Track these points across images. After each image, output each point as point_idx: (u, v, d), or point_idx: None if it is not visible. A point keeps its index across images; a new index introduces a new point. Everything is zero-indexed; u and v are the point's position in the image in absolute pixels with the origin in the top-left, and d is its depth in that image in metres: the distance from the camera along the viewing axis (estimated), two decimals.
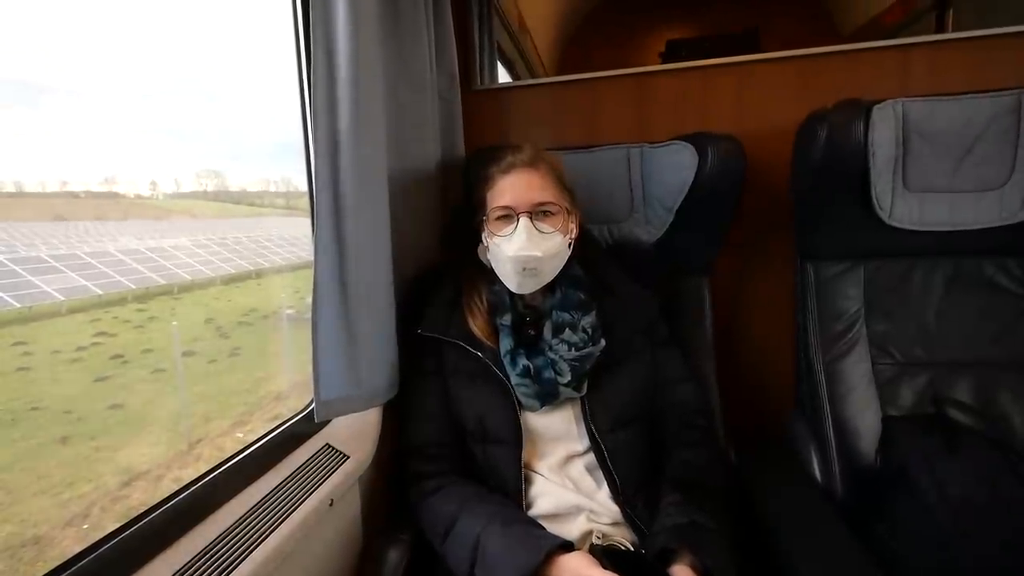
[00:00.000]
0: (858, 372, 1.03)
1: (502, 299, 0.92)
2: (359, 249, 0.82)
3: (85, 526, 4.27)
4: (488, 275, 0.95)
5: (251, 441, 0.81)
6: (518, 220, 0.86)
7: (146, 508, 0.66)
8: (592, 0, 2.84)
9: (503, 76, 1.59)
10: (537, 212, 0.87)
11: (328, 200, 0.79)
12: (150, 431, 5.82)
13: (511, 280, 0.88)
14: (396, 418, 0.96)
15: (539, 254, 0.85)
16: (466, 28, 1.39)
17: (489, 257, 0.91)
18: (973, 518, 0.79)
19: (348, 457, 0.86)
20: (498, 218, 0.88)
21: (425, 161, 1.08)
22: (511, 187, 0.87)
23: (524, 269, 0.85)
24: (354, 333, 0.83)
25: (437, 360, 0.93)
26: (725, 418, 1.09)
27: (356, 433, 0.91)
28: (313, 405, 0.83)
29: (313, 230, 0.80)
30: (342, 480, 0.82)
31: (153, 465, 5.19)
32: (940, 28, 1.73)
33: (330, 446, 0.87)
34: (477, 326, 0.90)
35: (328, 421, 0.92)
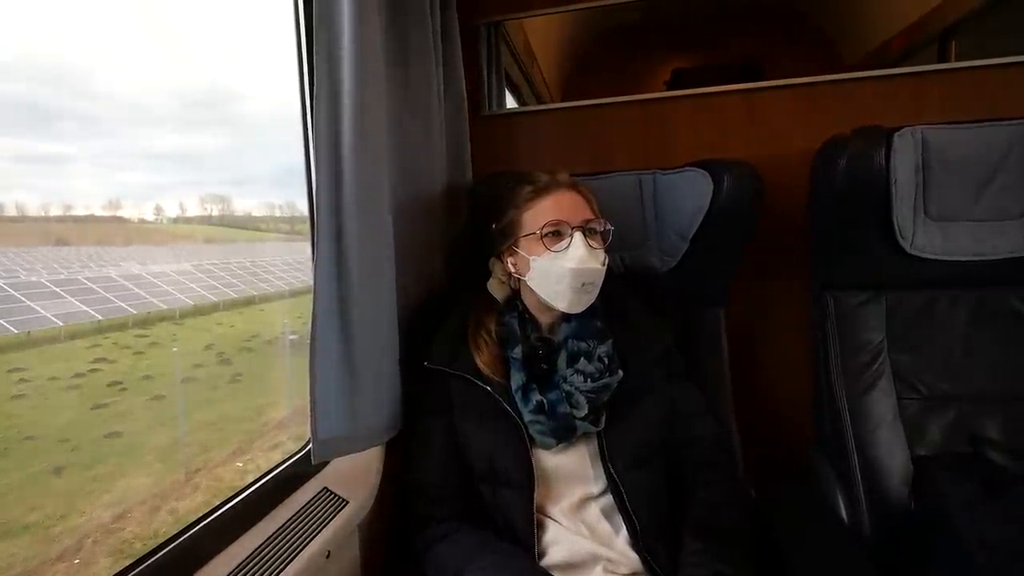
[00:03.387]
0: (883, 407, 0.99)
1: (513, 331, 0.88)
2: (361, 278, 0.78)
3: (76, 560, 4.15)
4: (497, 307, 0.92)
5: (243, 487, 0.75)
6: (572, 235, 0.83)
7: (132, 560, 0.61)
8: (598, 27, 2.89)
9: (510, 102, 1.60)
10: (587, 229, 0.85)
11: (329, 227, 0.76)
12: (147, 460, 5.72)
13: (563, 298, 0.83)
14: (399, 457, 0.91)
15: (599, 266, 0.83)
16: (474, 54, 1.38)
17: (530, 277, 0.87)
18: (1015, 565, 0.74)
19: (347, 502, 0.80)
20: (548, 233, 0.84)
21: (432, 186, 1.06)
22: (559, 203, 0.85)
23: (583, 284, 0.82)
24: (355, 367, 0.79)
25: (444, 395, 0.89)
26: (743, 455, 1.06)
27: (357, 474, 0.85)
28: (310, 446, 0.78)
29: (313, 258, 0.76)
30: (341, 528, 0.76)
31: (148, 496, 5.08)
32: (943, 56, 1.74)
33: (328, 490, 0.82)
34: (483, 362, 0.86)
35: (327, 462, 0.86)
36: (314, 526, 0.73)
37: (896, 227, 0.94)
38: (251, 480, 0.80)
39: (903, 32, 2.18)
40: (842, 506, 0.99)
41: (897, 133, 0.92)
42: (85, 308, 10.81)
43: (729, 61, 2.57)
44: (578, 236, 0.83)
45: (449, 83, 1.13)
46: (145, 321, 11.87)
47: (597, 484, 0.84)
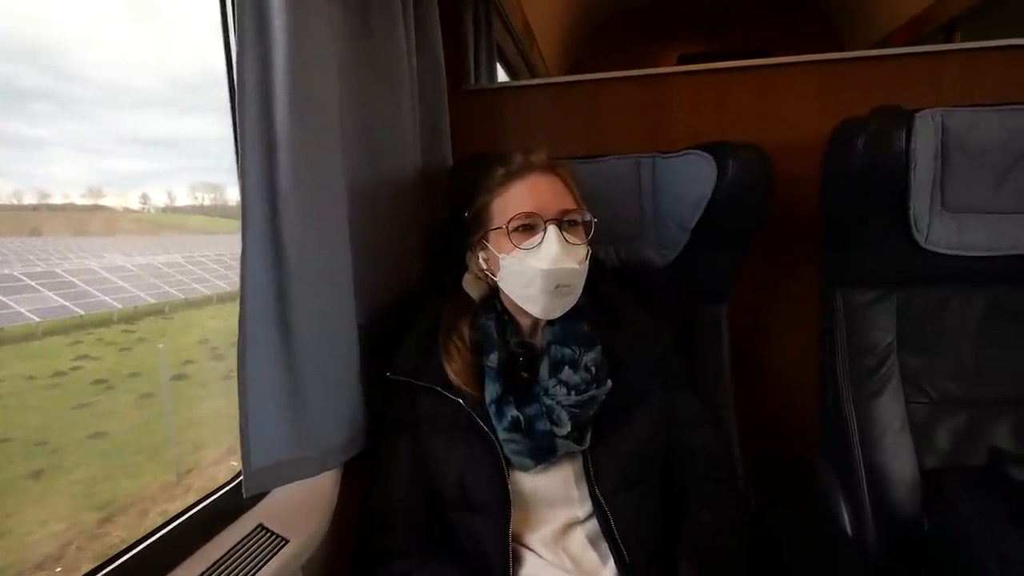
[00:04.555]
0: (891, 412, 0.94)
1: (489, 335, 0.78)
2: (306, 275, 0.67)
3: (58, 568, 4.05)
4: (472, 307, 0.82)
5: (151, 529, 0.65)
6: (545, 229, 0.73)
7: None
8: (603, 13, 2.84)
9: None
10: (564, 221, 0.75)
11: (261, 215, 0.64)
12: (136, 461, 5.62)
13: (536, 302, 0.74)
14: (361, 481, 0.81)
15: (576, 266, 0.73)
16: (458, 21, 1.30)
17: (500, 278, 0.77)
18: None
19: (287, 541, 0.68)
20: (516, 228, 0.74)
21: (403, 168, 0.96)
22: (532, 190, 0.75)
23: (557, 287, 0.72)
24: (299, 381, 0.68)
25: (410, 409, 0.79)
26: (744, 460, 1.01)
27: (301, 506, 0.73)
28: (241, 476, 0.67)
29: (241, 247, 0.65)
30: (276, 572, 0.65)
31: (137, 498, 4.98)
32: None
33: (264, 527, 0.70)
34: (454, 371, 0.76)
35: (265, 494, 0.75)
36: (241, 573, 0.62)
37: (912, 219, 0.88)
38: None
39: (907, 24, 2.15)
40: (846, 517, 0.95)
41: (918, 115, 0.85)
42: (64, 303, 10.50)
43: (737, 47, 2.54)
44: (552, 230, 0.73)
45: (423, 49, 1.02)
46: (132, 316, 11.66)
47: (582, 508, 0.76)
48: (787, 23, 2.67)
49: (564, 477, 0.76)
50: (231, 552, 0.65)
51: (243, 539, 0.67)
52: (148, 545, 0.63)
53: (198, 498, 0.70)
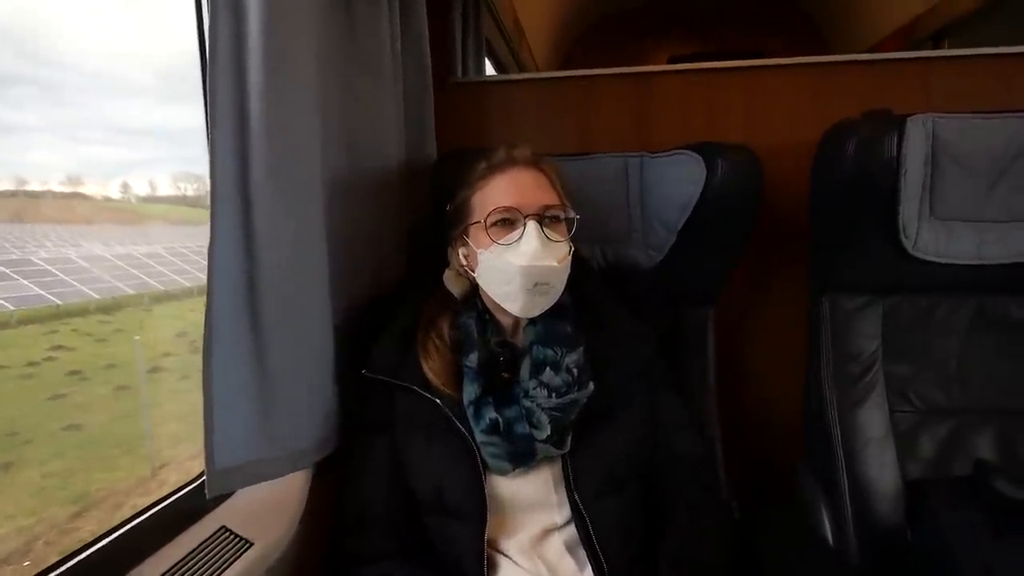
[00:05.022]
0: (875, 421, 0.93)
1: (469, 333, 0.76)
2: (279, 268, 0.65)
3: (26, 563, 3.95)
4: (453, 305, 0.80)
5: (106, 529, 0.62)
6: (525, 224, 0.71)
7: None
8: (595, 12, 2.84)
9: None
10: (545, 217, 0.72)
11: (233, 204, 0.62)
12: (111, 455, 5.49)
13: (515, 300, 0.71)
14: (333, 482, 0.79)
15: (556, 264, 0.71)
16: (445, 12, 1.28)
17: (478, 274, 0.76)
18: None
19: (251, 544, 0.66)
20: (496, 223, 0.72)
21: (385, 161, 0.94)
22: (513, 185, 0.73)
23: (536, 285, 0.70)
24: (269, 377, 0.65)
25: (387, 409, 0.77)
26: (727, 463, 1.00)
27: (268, 508, 0.70)
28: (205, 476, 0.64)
29: (210, 235, 0.62)
30: None
31: (110, 492, 4.87)
32: None
33: (227, 530, 0.67)
34: (432, 370, 0.74)
35: (229, 494, 0.72)
36: None
37: (900, 225, 0.87)
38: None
39: (895, 33, 2.18)
40: (827, 526, 0.94)
41: (910, 120, 0.84)
42: (40, 291, 10.28)
43: (729, 48, 2.56)
44: (532, 226, 0.71)
45: (409, 39, 0.99)
46: (110, 307, 11.44)
47: (561, 513, 0.74)
48: (779, 26, 2.69)
49: (543, 482, 0.74)
50: (191, 555, 0.62)
51: (204, 542, 0.64)
52: (104, 545, 0.60)
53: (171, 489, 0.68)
